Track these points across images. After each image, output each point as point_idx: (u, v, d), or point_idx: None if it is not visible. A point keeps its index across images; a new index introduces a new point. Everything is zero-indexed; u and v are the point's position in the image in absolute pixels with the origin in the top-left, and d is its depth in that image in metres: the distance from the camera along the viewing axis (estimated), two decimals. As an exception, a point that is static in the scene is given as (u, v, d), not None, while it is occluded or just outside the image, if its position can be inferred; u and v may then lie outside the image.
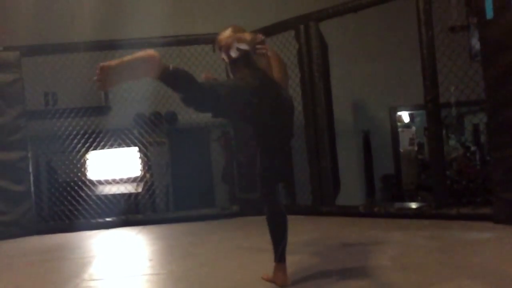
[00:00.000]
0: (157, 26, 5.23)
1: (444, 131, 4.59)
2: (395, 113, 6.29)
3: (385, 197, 6.00)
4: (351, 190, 5.42)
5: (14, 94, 4.41)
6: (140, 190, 5.11)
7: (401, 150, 6.46)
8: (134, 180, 5.13)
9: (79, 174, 5.01)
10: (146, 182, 5.20)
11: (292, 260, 2.40)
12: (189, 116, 5.24)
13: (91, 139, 4.92)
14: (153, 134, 5.28)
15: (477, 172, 5.44)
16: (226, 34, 2.33)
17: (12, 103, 4.39)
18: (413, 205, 4.53)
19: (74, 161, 4.98)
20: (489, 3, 3.25)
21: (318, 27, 4.40)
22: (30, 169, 4.46)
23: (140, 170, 5.20)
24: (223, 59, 2.32)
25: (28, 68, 4.64)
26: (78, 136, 4.88)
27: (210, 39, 2.31)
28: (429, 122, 3.77)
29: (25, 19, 5.58)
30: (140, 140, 5.05)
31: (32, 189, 4.47)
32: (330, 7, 4.31)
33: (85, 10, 5.69)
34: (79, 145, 4.89)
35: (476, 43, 3.88)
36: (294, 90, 4.67)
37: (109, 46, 4.84)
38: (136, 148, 5.09)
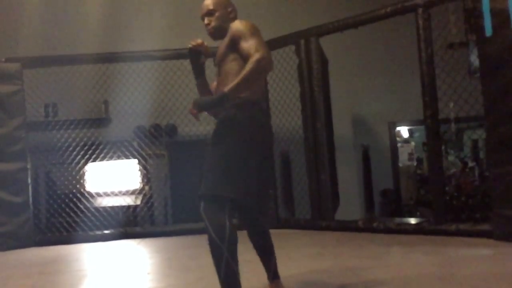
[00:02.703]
0: (159, 40, 5.27)
1: (443, 147, 4.59)
2: (394, 128, 6.31)
3: (384, 212, 5.99)
4: (350, 205, 5.41)
5: (15, 105, 4.42)
6: (139, 202, 5.10)
7: (400, 165, 6.47)
8: (133, 192, 5.12)
9: (78, 185, 5.00)
10: (145, 195, 5.19)
11: (290, 275, 2.39)
12: (189, 128, 5.26)
13: (90, 151, 4.92)
14: (152, 146, 5.28)
15: (476, 188, 5.43)
16: (207, 1, 2.33)
17: (13, 114, 4.40)
18: (412, 221, 4.52)
19: (73, 173, 4.97)
20: (488, 21, 3.29)
21: (319, 42, 4.43)
22: (29, 181, 4.45)
23: (139, 182, 5.19)
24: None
25: (29, 79, 4.66)
26: (78, 148, 4.88)
27: (211, 53, 2.32)
28: (428, 137, 3.78)
29: (27, 31, 5.63)
30: (140, 152, 5.06)
31: (31, 200, 4.45)
32: (330, 23, 4.35)
33: (86, 23, 5.73)
34: (79, 157, 4.89)
35: (475, 60, 3.91)
36: (294, 104, 4.70)
37: (110, 58, 4.87)
38: (136, 160, 5.09)
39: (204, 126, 4.96)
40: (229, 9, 2.34)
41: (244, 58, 2.07)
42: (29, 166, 4.47)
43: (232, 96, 1.97)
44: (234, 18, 2.30)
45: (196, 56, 2.26)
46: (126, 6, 5.93)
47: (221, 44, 2.24)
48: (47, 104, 5.16)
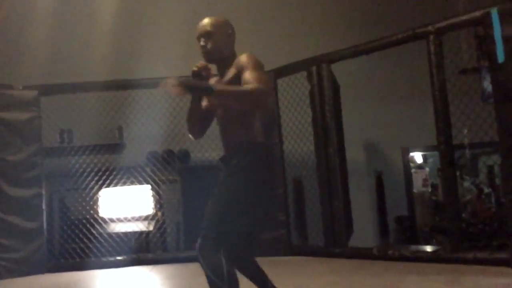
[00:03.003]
0: (172, 67, 5.35)
1: (458, 173, 4.54)
2: (408, 153, 6.26)
3: (399, 239, 5.89)
4: (364, 232, 5.34)
5: (31, 132, 4.49)
6: (151, 228, 5.10)
7: (415, 191, 6.39)
8: (145, 218, 5.13)
9: (91, 211, 5.02)
10: (157, 221, 5.19)
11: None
12: (201, 154, 5.28)
13: (104, 177, 4.96)
14: (165, 172, 5.31)
15: (492, 215, 5.34)
16: (205, 22, 2.30)
17: (29, 141, 4.47)
18: (428, 248, 4.44)
19: (87, 199, 5.00)
20: (500, 47, 3.29)
21: (330, 68, 4.46)
22: (44, 206, 4.49)
23: (152, 208, 5.20)
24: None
25: (45, 106, 4.75)
26: (92, 173, 4.92)
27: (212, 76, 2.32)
28: (443, 163, 3.75)
29: (43, 59, 5.77)
30: (153, 177, 5.08)
31: (45, 226, 4.48)
32: (341, 49, 4.39)
33: (101, 50, 5.85)
34: (93, 182, 4.93)
35: (488, 86, 3.90)
36: (306, 130, 4.71)
37: (124, 85, 4.96)
38: (149, 186, 5.11)
39: (217, 151, 4.99)
40: (229, 32, 2.27)
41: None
42: (44, 191, 4.51)
43: (216, 90, 1.99)
44: (233, 43, 2.28)
45: (199, 79, 2.22)
46: (140, 34, 6.06)
47: (225, 76, 2.22)
48: (63, 130, 5.23)
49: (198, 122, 2.27)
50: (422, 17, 4.55)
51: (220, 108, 2.22)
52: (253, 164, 2.06)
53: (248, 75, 2.04)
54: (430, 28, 3.74)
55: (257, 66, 2.10)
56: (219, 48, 2.21)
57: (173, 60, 5.62)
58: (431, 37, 3.73)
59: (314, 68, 4.50)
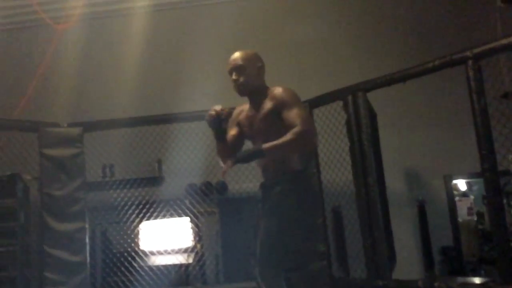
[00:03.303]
0: (209, 100, 5.45)
1: (504, 200, 4.36)
2: (451, 181, 6.06)
3: (445, 271, 5.65)
4: (408, 263, 5.17)
5: (75, 167, 4.65)
6: (191, 261, 5.11)
7: (460, 220, 6.15)
8: (185, 250, 5.15)
9: (132, 244, 5.09)
10: (197, 253, 5.20)
11: None
12: (239, 186, 5.31)
13: (144, 210, 5.05)
14: (204, 204, 5.35)
15: (544, 244, 5.06)
16: (235, 56, 2.33)
17: (74, 176, 4.62)
18: (477, 280, 4.24)
19: (128, 232, 5.08)
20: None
21: (366, 97, 4.44)
22: (87, 240, 4.59)
23: (191, 240, 5.22)
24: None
25: (88, 142, 4.91)
26: (133, 207, 5.02)
27: (230, 115, 2.37)
28: (488, 191, 3.62)
29: (87, 97, 6.03)
30: (192, 210, 5.13)
31: (88, 259, 4.56)
32: (377, 78, 4.36)
33: (141, 87, 6.05)
34: (133, 216, 5.02)
35: (532, 109, 3.78)
36: (344, 159, 4.67)
37: (162, 120, 5.08)
38: (188, 218, 5.15)
39: (254, 183, 5.00)
40: (259, 64, 2.33)
41: (287, 127, 2.08)
42: (87, 225, 4.62)
43: (266, 152, 2.00)
44: (263, 75, 2.31)
45: (217, 122, 2.26)
46: (178, 69, 6.24)
47: (260, 110, 2.24)
48: (105, 165, 5.39)
49: (229, 155, 2.31)
50: (460, 43, 4.49)
51: (257, 137, 2.26)
52: (296, 191, 2.08)
53: (290, 115, 2.08)
54: (468, 53, 3.68)
55: (297, 102, 2.13)
56: (250, 80, 2.27)
57: (211, 93, 5.74)
58: (470, 62, 3.66)
59: (350, 97, 4.48)
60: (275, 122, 2.15)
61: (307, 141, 2.03)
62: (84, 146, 4.75)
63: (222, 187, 5.66)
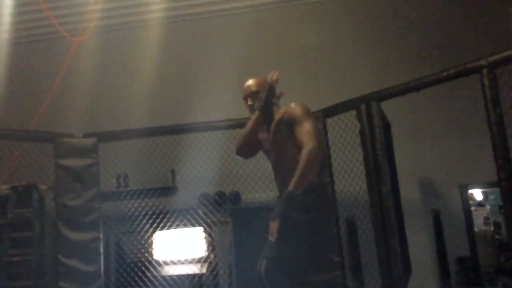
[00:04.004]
0: (222, 111, 5.49)
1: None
2: (466, 191, 5.98)
3: (461, 282, 5.57)
4: (424, 274, 5.11)
5: (90, 178, 4.68)
6: (204, 270, 5.10)
7: (476, 230, 6.06)
8: (198, 260, 5.14)
9: (146, 254, 5.11)
10: (210, 263, 5.19)
11: None
12: (252, 195, 5.31)
13: (158, 219, 5.06)
14: (217, 213, 5.35)
15: None
16: (249, 83, 2.42)
17: (88, 186, 4.66)
18: (494, 292, 4.17)
19: (142, 241, 5.10)
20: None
21: (380, 106, 4.41)
22: (101, 249, 4.61)
23: (205, 250, 5.22)
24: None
25: (103, 152, 4.96)
26: (147, 216, 5.04)
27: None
28: (504, 201, 3.56)
29: (101, 108, 6.10)
30: (205, 220, 5.13)
31: (102, 269, 4.58)
32: (391, 87, 4.34)
33: (154, 98, 6.11)
34: (147, 225, 5.04)
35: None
36: (358, 169, 4.64)
37: (177, 130, 5.11)
38: (201, 228, 5.15)
39: (267, 192, 5.00)
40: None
41: (297, 144, 2.17)
42: (101, 235, 4.64)
43: (297, 191, 2.06)
44: (278, 98, 2.40)
45: (273, 91, 2.33)
46: (191, 80, 6.30)
47: (273, 124, 2.32)
48: (119, 175, 5.43)
49: (249, 144, 2.39)
50: (474, 52, 4.46)
51: (273, 152, 2.31)
52: (313, 204, 2.12)
53: (301, 130, 2.17)
54: (483, 62, 3.65)
55: (308, 116, 2.23)
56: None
57: (223, 104, 5.78)
58: (485, 71, 3.63)
59: (363, 107, 4.46)
60: (284, 134, 2.24)
61: (317, 156, 2.12)
62: (98, 157, 4.79)
63: (235, 197, 5.66)
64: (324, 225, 2.24)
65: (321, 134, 2.23)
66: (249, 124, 2.43)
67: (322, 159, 2.24)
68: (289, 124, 2.25)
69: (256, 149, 2.54)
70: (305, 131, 2.17)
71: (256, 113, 2.41)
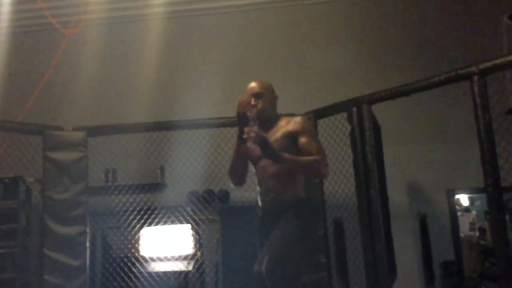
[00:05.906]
0: (213, 108, 5.48)
1: (507, 216, 4.34)
2: (453, 196, 6.04)
3: (445, 286, 5.62)
4: (408, 277, 5.14)
5: (79, 171, 4.65)
6: (190, 268, 5.09)
7: (462, 235, 6.12)
8: (185, 257, 5.14)
9: (132, 250, 5.09)
10: (197, 260, 5.19)
11: None
12: (241, 194, 5.30)
13: (145, 216, 5.04)
14: (205, 211, 5.34)
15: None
16: (254, 84, 2.47)
17: (77, 180, 4.62)
18: (478, 296, 4.22)
19: (129, 237, 5.08)
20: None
21: (371, 109, 4.44)
22: (87, 244, 4.58)
23: (192, 247, 5.21)
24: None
25: (92, 147, 4.92)
26: (135, 212, 5.02)
27: (257, 119, 2.45)
28: (491, 207, 3.60)
29: (92, 102, 6.06)
30: (193, 217, 5.12)
31: (88, 264, 4.55)
32: (382, 90, 4.37)
33: (145, 93, 6.08)
34: (134, 221, 5.02)
35: (536, 126, 3.76)
36: (347, 171, 4.66)
37: (167, 126, 5.09)
38: (189, 226, 5.14)
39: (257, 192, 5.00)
40: (274, 95, 2.51)
41: (302, 153, 2.21)
42: (88, 230, 4.61)
43: (285, 163, 2.11)
44: (276, 105, 2.46)
45: (244, 121, 2.34)
46: (181, 77, 6.28)
47: (273, 133, 2.35)
48: (108, 170, 5.40)
49: (240, 170, 2.43)
50: (466, 58, 4.51)
51: (264, 161, 2.34)
52: (301, 218, 2.18)
53: (309, 143, 2.23)
54: (473, 68, 3.68)
55: (314, 134, 2.30)
56: (267, 107, 2.42)
57: (213, 102, 5.77)
58: (475, 77, 3.66)
59: (354, 109, 4.49)
60: (289, 145, 2.28)
61: (320, 171, 2.19)
62: (87, 151, 4.76)
63: (224, 195, 5.66)
64: (312, 228, 2.28)
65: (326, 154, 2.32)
66: (234, 155, 2.49)
67: (322, 176, 2.33)
68: (296, 133, 2.31)
69: (246, 167, 2.57)
70: (314, 145, 2.26)
71: (237, 142, 2.45)
